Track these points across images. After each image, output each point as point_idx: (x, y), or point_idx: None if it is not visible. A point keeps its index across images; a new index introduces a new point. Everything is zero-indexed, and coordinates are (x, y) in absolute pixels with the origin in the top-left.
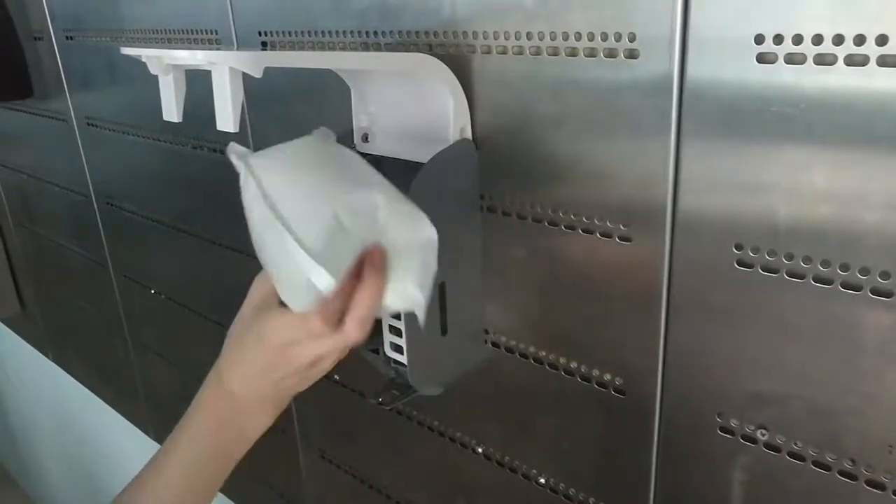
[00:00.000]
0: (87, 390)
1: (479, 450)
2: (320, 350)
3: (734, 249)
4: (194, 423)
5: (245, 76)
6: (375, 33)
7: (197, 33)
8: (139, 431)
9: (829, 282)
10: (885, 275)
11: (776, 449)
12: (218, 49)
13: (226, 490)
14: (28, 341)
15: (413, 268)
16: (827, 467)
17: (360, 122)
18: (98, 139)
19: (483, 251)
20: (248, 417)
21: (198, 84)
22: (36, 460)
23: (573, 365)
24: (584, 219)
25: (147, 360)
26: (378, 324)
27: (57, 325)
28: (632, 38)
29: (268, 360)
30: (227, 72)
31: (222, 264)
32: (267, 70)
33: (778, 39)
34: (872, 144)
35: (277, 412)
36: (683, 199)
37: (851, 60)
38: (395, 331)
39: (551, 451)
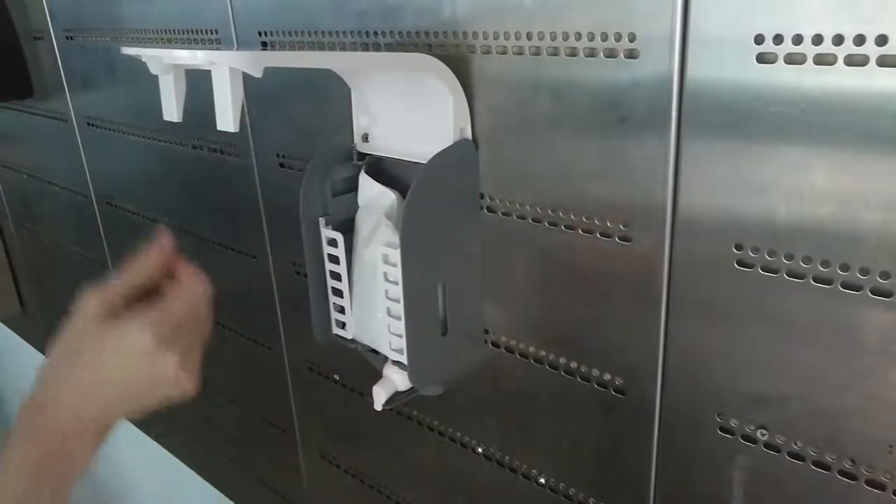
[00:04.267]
0: None
1: (479, 450)
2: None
3: (734, 249)
4: (16, 459)
5: (245, 76)
6: (375, 33)
7: (197, 33)
8: (139, 431)
9: (829, 282)
10: (884, 275)
11: (776, 449)
12: (218, 49)
13: (226, 490)
14: (28, 341)
15: None
16: (827, 467)
17: (360, 122)
18: (98, 139)
19: (483, 251)
20: (77, 443)
21: (198, 84)
22: None
23: (573, 365)
24: (584, 219)
25: None
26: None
27: (57, 325)
28: (632, 38)
29: (120, 372)
30: (227, 72)
31: (222, 264)
32: (267, 70)
33: (778, 39)
34: (872, 144)
35: (105, 436)
36: (683, 199)
37: (851, 60)
38: (395, 331)
39: (551, 451)
